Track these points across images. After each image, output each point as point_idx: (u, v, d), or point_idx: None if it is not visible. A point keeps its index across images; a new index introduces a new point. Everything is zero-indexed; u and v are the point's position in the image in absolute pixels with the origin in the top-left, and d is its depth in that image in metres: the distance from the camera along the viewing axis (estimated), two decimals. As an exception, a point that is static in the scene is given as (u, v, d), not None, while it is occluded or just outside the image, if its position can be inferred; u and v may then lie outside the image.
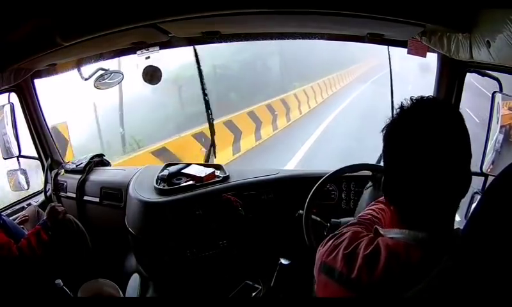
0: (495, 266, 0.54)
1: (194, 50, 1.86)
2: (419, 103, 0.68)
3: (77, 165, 2.04)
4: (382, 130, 0.70)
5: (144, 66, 1.71)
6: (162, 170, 1.81)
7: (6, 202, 2.11)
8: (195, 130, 5.19)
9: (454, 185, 0.65)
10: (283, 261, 1.19)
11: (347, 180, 1.66)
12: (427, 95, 0.69)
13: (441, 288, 0.57)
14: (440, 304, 0.58)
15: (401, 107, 0.68)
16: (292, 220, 1.44)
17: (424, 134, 0.64)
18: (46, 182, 2.09)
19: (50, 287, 1.32)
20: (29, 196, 2.14)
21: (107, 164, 2.15)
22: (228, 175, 1.74)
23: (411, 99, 0.68)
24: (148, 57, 1.63)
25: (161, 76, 1.71)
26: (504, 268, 0.53)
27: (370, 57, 19.86)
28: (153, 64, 1.69)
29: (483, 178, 1.40)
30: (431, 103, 0.68)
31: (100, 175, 2.00)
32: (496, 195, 0.56)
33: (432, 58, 1.50)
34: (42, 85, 1.99)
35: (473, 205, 1.36)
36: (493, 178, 0.75)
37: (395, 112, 0.70)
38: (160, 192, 1.68)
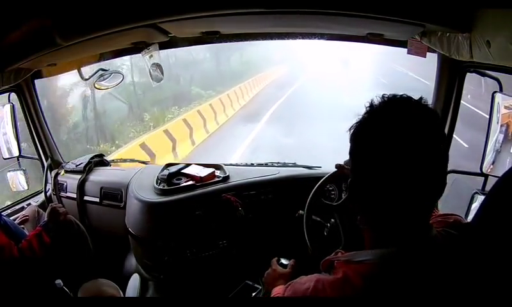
0: (496, 265, 0.54)
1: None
2: (392, 101, 0.61)
3: (76, 165, 2.04)
4: (349, 129, 0.64)
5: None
6: (162, 170, 1.81)
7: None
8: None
9: (429, 191, 0.60)
10: (283, 261, 1.19)
11: (347, 180, 1.65)
12: (400, 94, 0.62)
13: (443, 287, 0.57)
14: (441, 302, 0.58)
15: (371, 105, 0.62)
16: (292, 220, 1.44)
17: (397, 135, 0.58)
18: (46, 182, 2.09)
19: (50, 287, 1.32)
20: (29, 196, 2.15)
21: (107, 164, 2.15)
22: (228, 175, 1.74)
23: (383, 97, 0.62)
24: (151, 56, 1.64)
25: (163, 72, 1.73)
26: (505, 267, 0.53)
27: (272, 64, 15.85)
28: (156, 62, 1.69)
29: (483, 178, 1.40)
30: (405, 101, 0.61)
31: (100, 175, 2.00)
32: (500, 196, 0.56)
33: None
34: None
35: (474, 205, 1.36)
36: (495, 178, 0.75)
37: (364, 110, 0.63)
38: (160, 192, 1.68)
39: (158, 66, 1.67)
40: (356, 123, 0.63)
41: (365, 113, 0.62)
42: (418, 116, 0.59)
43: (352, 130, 0.63)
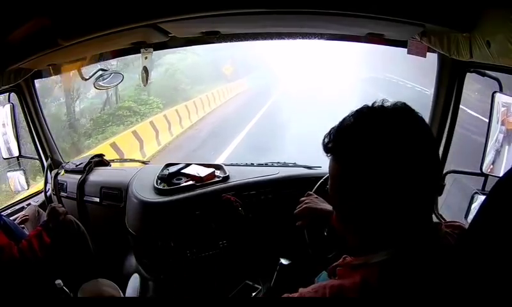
0: (495, 266, 0.54)
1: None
2: (378, 107, 0.61)
3: (77, 165, 2.04)
4: (327, 140, 0.62)
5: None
6: (162, 170, 1.81)
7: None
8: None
9: (426, 192, 0.60)
10: (283, 261, 1.19)
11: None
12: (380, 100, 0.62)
13: (443, 286, 0.57)
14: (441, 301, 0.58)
15: (358, 115, 0.61)
16: (292, 220, 1.44)
17: (392, 143, 0.58)
18: (46, 182, 2.09)
19: (50, 287, 1.32)
20: (29, 196, 2.14)
21: (107, 164, 2.15)
22: (228, 175, 1.74)
23: (371, 105, 0.61)
24: (146, 58, 1.64)
25: (147, 78, 1.76)
26: (504, 268, 0.53)
27: (223, 81, 10.33)
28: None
29: (483, 178, 1.40)
30: (391, 107, 0.61)
31: (100, 175, 2.00)
32: (500, 197, 0.56)
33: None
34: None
35: (474, 205, 1.36)
36: (496, 178, 0.75)
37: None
38: (160, 192, 1.68)
39: (145, 70, 1.68)
40: (345, 133, 0.61)
41: (355, 124, 0.61)
42: (407, 122, 0.60)
43: (334, 159, 0.62)
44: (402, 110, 0.61)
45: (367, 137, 0.59)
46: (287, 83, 11.40)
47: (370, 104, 0.62)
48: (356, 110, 0.62)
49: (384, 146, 0.58)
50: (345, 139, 0.61)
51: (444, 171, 1.47)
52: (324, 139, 0.63)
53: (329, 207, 1.20)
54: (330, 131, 0.63)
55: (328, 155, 0.63)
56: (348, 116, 0.62)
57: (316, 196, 1.26)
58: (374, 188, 0.58)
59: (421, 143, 0.59)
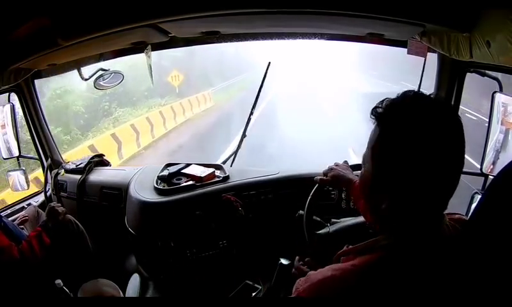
0: (493, 263, 0.55)
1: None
2: (416, 100, 0.64)
3: (77, 166, 2.04)
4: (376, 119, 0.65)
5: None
6: (162, 170, 1.81)
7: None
8: None
9: (446, 187, 0.62)
10: (283, 261, 1.19)
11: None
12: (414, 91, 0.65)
13: (444, 280, 0.58)
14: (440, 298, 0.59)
15: (394, 102, 0.64)
16: (292, 220, 1.44)
17: (422, 134, 0.60)
18: (46, 182, 2.09)
19: (50, 287, 1.32)
20: (29, 196, 2.14)
21: (107, 164, 2.15)
22: (228, 175, 1.74)
23: (406, 94, 0.64)
24: (150, 57, 1.65)
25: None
26: (502, 264, 0.54)
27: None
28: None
29: (483, 178, 1.40)
30: (429, 102, 0.64)
31: (100, 175, 2.00)
32: (497, 193, 0.57)
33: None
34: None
35: (473, 205, 1.37)
36: (493, 177, 0.75)
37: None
38: (160, 192, 1.68)
39: (150, 68, 1.69)
40: (382, 117, 0.64)
41: (389, 109, 0.64)
42: (444, 116, 0.62)
43: (379, 125, 0.65)
44: (449, 110, 0.64)
45: (411, 120, 0.61)
46: (275, 100, 7.87)
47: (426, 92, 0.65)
48: (414, 93, 0.65)
49: (422, 134, 0.60)
50: (392, 113, 0.63)
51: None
52: (375, 106, 0.66)
53: (352, 177, 1.21)
54: (383, 101, 0.65)
55: (374, 121, 0.66)
56: (405, 93, 0.65)
57: (347, 165, 1.27)
58: (401, 168, 0.61)
59: (454, 142, 0.62)
